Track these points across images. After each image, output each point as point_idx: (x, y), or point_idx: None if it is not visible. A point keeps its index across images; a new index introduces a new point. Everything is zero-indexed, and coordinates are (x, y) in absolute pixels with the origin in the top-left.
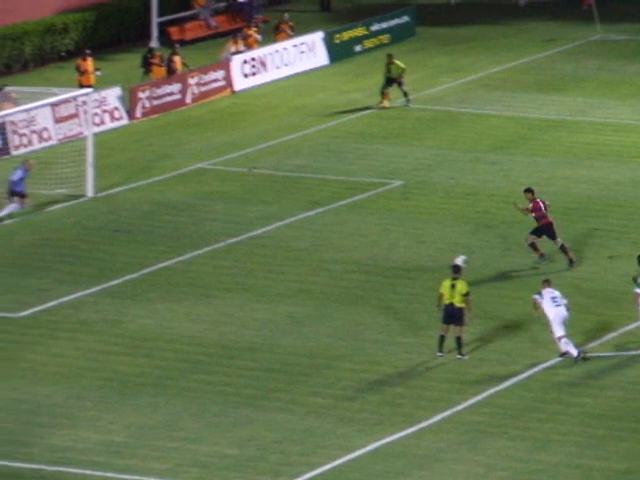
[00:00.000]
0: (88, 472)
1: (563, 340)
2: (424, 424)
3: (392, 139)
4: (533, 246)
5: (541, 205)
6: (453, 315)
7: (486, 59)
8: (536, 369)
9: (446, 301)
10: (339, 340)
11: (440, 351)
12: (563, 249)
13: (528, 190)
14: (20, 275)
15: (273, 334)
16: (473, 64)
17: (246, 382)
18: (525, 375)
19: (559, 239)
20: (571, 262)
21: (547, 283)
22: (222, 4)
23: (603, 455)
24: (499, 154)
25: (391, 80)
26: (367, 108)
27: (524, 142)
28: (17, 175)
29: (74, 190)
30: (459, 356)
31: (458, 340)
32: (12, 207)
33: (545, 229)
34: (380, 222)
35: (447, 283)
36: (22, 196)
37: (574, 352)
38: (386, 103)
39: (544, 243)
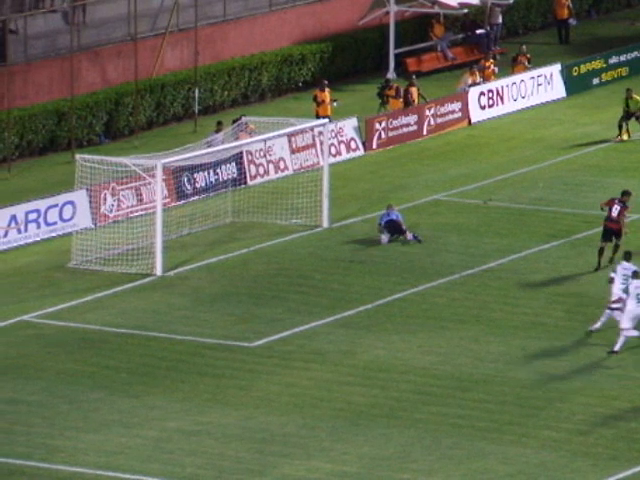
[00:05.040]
0: None
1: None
2: None
3: (630, 172)
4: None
5: (615, 207)
6: None
7: None
8: None
9: None
10: (573, 373)
11: None
12: (616, 248)
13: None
14: (255, 304)
15: (507, 367)
16: None
17: (479, 415)
18: None
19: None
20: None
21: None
22: (459, 36)
23: None
24: None
25: (630, 114)
26: (604, 141)
27: None
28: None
29: (309, 220)
30: None
31: None
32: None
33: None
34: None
35: None
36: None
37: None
38: (624, 136)
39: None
